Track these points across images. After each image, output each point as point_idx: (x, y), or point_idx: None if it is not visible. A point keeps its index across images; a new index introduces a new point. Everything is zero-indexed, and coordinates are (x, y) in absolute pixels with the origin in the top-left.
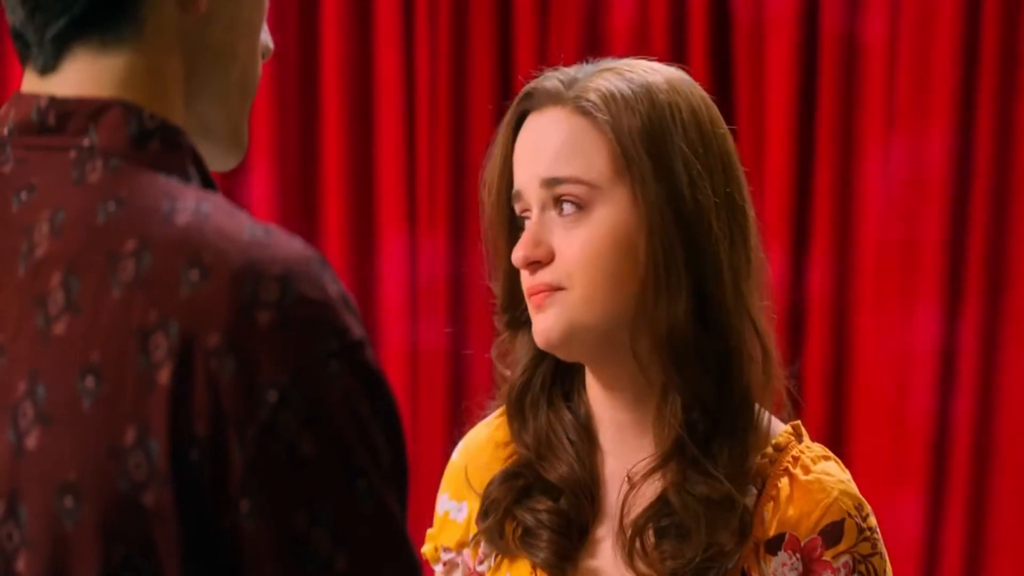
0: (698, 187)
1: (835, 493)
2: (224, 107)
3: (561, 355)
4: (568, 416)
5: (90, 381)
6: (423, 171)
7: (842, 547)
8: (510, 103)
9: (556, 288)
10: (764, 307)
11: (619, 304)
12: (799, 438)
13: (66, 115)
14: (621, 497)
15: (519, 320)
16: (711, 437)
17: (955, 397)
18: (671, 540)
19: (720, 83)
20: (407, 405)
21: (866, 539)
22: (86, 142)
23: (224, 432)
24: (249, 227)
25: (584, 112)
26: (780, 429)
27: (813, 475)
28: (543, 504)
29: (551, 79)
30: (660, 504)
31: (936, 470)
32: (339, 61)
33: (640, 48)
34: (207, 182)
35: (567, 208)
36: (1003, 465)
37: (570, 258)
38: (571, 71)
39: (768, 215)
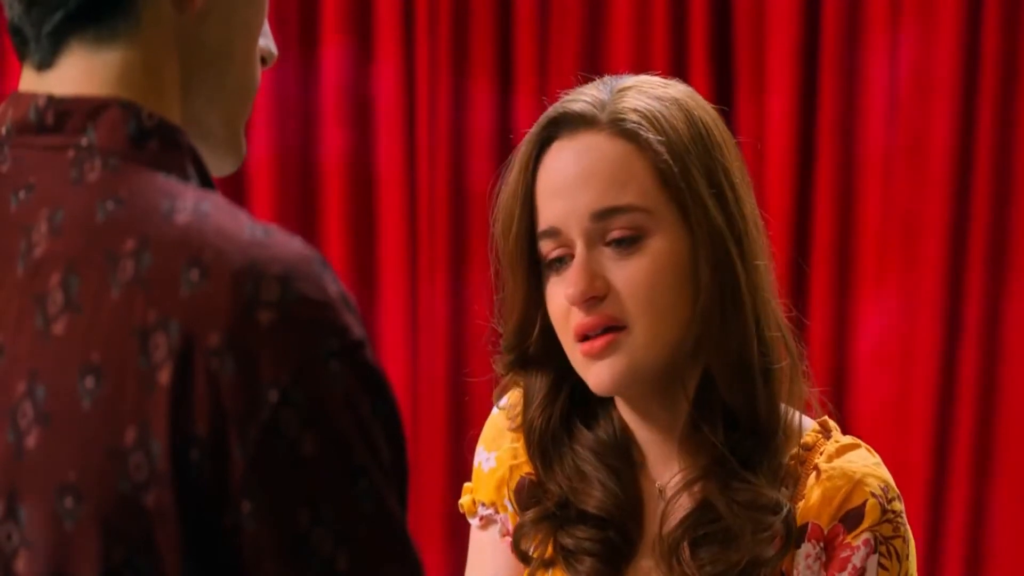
0: (742, 200)
1: (857, 477)
2: (221, 109)
3: (611, 395)
4: (597, 439)
5: (90, 381)
6: (423, 172)
7: (863, 526)
8: (511, 98)
9: (617, 326)
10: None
11: (679, 333)
12: (827, 434)
13: (64, 114)
14: (659, 512)
15: (527, 358)
16: (753, 451)
17: (957, 386)
18: (712, 547)
19: (720, 40)
20: (407, 405)
21: (888, 521)
22: (84, 141)
23: (225, 432)
24: (249, 226)
25: (627, 134)
26: (808, 427)
27: (836, 464)
28: (584, 532)
29: (576, 102)
30: (701, 511)
31: (937, 466)
32: (338, 64)
33: (642, 27)
34: (206, 181)
35: (621, 240)
36: (1004, 460)
37: (630, 291)
38: (591, 91)
39: (770, 202)
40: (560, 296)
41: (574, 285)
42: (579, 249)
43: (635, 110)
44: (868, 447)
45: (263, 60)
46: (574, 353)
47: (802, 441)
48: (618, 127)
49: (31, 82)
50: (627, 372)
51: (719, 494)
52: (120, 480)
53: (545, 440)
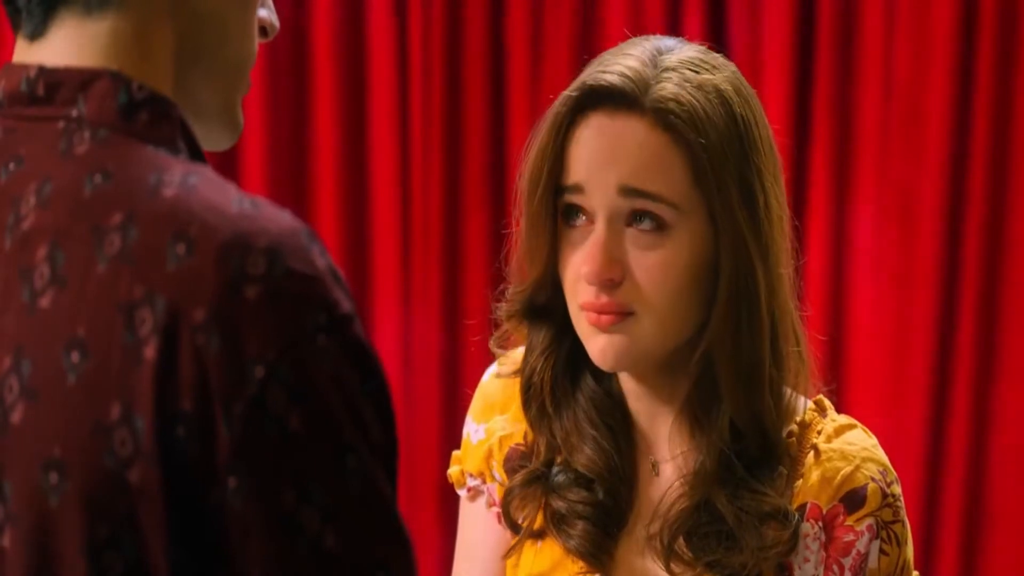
0: (771, 206)
1: (857, 461)
2: (215, 83)
3: (612, 372)
4: (599, 395)
5: (75, 356)
6: (417, 155)
7: (864, 511)
8: (505, 75)
9: (627, 312)
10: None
11: (689, 329)
12: (823, 412)
13: (55, 85)
14: (652, 487)
15: (535, 309)
16: (758, 461)
17: (954, 370)
18: (714, 546)
19: (715, 19)
20: (401, 380)
21: (888, 505)
22: (75, 113)
23: (210, 408)
24: (237, 199)
25: (668, 127)
26: (805, 405)
27: (836, 444)
28: (577, 495)
29: (618, 70)
30: (704, 511)
31: (933, 443)
32: (331, 36)
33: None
34: (196, 155)
35: (646, 224)
36: (1001, 442)
37: (646, 281)
38: (633, 60)
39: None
40: (575, 264)
41: (590, 263)
42: (599, 225)
43: (678, 102)
44: (864, 428)
45: (264, 32)
46: (579, 320)
47: (798, 419)
48: (660, 117)
49: (24, 53)
50: (629, 353)
51: (726, 502)
52: (105, 456)
53: (545, 389)
